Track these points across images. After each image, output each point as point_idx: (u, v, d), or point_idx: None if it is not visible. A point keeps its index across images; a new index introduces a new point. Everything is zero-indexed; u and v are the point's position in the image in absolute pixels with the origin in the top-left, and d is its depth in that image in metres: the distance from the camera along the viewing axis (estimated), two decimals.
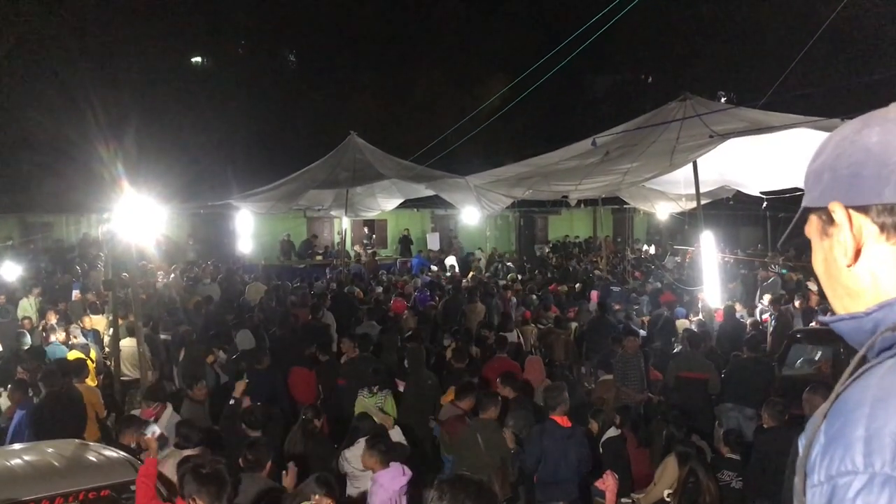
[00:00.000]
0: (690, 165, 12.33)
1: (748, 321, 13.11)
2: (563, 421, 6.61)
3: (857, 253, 1.17)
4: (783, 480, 6.36)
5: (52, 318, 11.97)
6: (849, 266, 1.18)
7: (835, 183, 1.19)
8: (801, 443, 1.14)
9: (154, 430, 4.96)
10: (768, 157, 13.11)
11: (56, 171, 21.38)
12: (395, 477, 5.54)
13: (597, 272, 20.92)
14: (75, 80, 23.01)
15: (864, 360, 1.13)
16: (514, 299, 15.57)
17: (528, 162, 14.25)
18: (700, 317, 13.05)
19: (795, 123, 11.00)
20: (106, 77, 24.79)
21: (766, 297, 14.80)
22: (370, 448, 5.68)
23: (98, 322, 12.26)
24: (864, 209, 1.16)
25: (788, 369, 9.78)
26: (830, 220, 1.20)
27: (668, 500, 6.78)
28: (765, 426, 6.89)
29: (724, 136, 11.15)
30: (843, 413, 1.07)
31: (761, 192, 16.01)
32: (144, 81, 27.10)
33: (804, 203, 1.26)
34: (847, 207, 1.17)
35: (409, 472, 5.66)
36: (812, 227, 1.25)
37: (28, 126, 22.27)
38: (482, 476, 6.45)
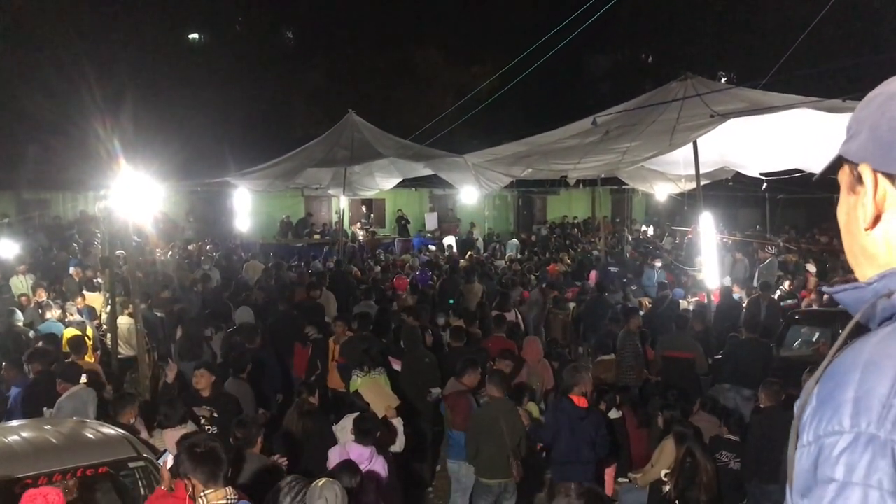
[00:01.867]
0: (690, 146, 12.25)
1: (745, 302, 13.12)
2: (580, 401, 6.59)
3: (877, 218, 1.16)
4: (779, 459, 6.41)
5: (42, 295, 11.93)
6: (866, 230, 1.18)
7: (871, 143, 1.16)
8: (797, 405, 1.15)
9: (166, 459, 4.90)
10: (769, 137, 13.03)
11: (52, 148, 21.30)
12: (360, 454, 5.58)
13: (595, 252, 20.91)
14: (71, 57, 22.84)
15: (859, 327, 1.14)
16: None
17: (527, 140, 14.17)
18: (697, 298, 13.05)
19: (796, 104, 10.93)
20: (102, 54, 24.65)
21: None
22: (354, 425, 5.76)
23: (94, 299, 12.23)
24: (892, 177, 1.14)
25: (786, 350, 9.80)
26: (860, 179, 1.18)
27: (665, 479, 6.80)
28: (761, 406, 6.89)
29: (725, 116, 11.08)
30: (835, 376, 1.08)
31: (761, 174, 15.96)
32: (141, 58, 26.95)
33: (840, 150, 1.23)
34: (876, 171, 1.15)
35: (371, 457, 5.69)
36: (843, 176, 1.24)
37: (24, 103, 22.13)
38: (503, 458, 6.53)
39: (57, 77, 22.28)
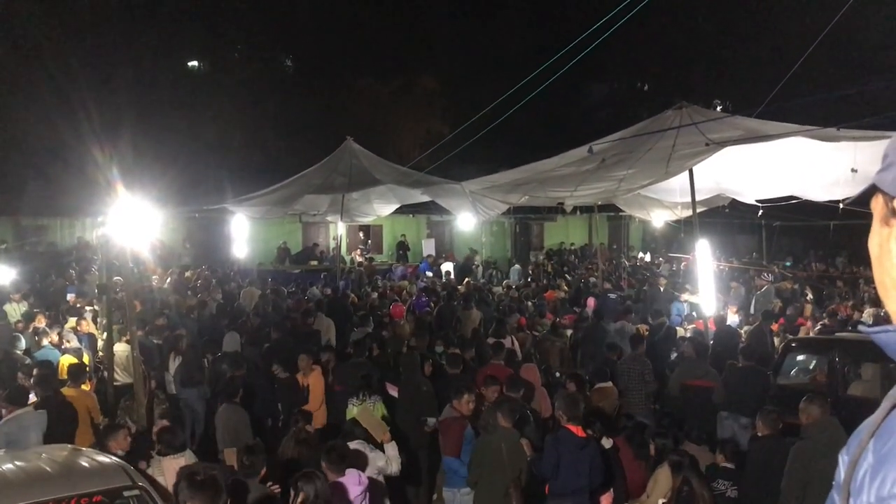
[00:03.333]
0: (686, 173, 12.35)
1: (743, 329, 13.13)
2: (578, 431, 6.57)
3: None
4: (776, 488, 6.38)
5: (42, 322, 11.90)
6: None
7: None
8: (844, 459, 1.09)
9: None
10: (764, 165, 13.13)
11: (50, 174, 21.37)
12: (350, 485, 5.51)
13: (592, 279, 20.92)
14: (70, 84, 22.98)
15: None
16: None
17: (524, 168, 14.26)
18: (693, 325, 13.05)
19: (791, 132, 11.01)
20: (101, 80, 24.78)
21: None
22: (324, 455, 5.66)
23: (90, 326, 12.17)
24: None
25: (783, 378, 9.78)
26: (894, 212, 1.13)
27: None
28: (759, 434, 6.87)
29: (720, 144, 11.16)
30: (894, 434, 1.02)
31: (757, 201, 16.03)
32: (140, 85, 27.08)
33: (875, 179, 1.17)
34: None
35: (364, 481, 5.63)
36: (877, 206, 1.18)
37: (22, 129, 22.24)
38: (502, 488, 6.48)
39: (55, 104, 22.40)
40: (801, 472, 5.89)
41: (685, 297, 15.85)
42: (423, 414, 8.46)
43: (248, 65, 33.62)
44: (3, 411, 7.18)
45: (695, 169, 12.27)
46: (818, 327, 12.88)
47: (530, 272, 23.77)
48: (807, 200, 14.79)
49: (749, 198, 15.92)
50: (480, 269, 24.75)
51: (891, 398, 1.07)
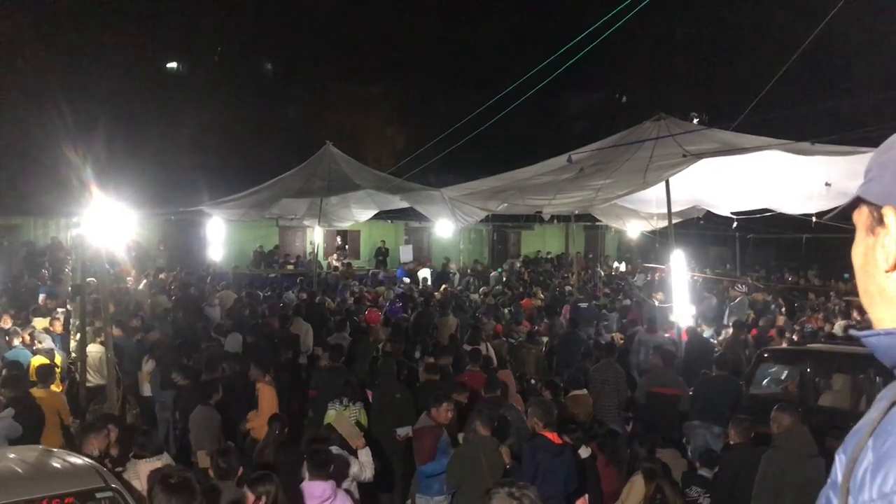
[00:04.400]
0: (663, 184, 12.48)
1: (717, 340, 13.26)
2: (554, 437, 6.60)
3: None
4: (748, 495, 6.46)
5: (8, 322, 11.73)
6: (887, 272, 1.15)
7: None
8: (841, 458, 1.11)
9: None
10: (740, 178, 13.31)
11: (22, 173, 21.09)
12: (321, 488, 5.52)
13: (567, 288, 21.04)
14: (43, 84, 22.73)
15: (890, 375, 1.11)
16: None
17: (503, 176, 14.33)
18: (668, 335, 13.14)
19: (767, 146, 11.18)
20: (75, 80, 24.52)
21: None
22: (307, 458, 5.66)
23: (41, 324, 12.01)
24: None
25: (756, 388, 9.89)
26: (880, 220, 1.16)
27: None
28: (731, 443, 6.94)
29: (697, 155, 11.30)
30: (894, 431, 1.04)
31: (732, 213, 16.23)
32: (116, 84, 26.85)
33: (859, 191, 1.20)
34: None
35: (333, 494, 5.61)
36: (861, 218, 1.21)
37: None
38: (480, 496, 6.48)
39: (26, 102, 22.14)
40: (773, 481, 5.97)
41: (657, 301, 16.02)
42: (397, 420, 8.44)
43: (227, 67, 33.46)
44: None
45: (671, 180, 12.41)
46: (788, 340, 13.03)
47: (503, 279, 23.83)
48: (780, 213, 15.02)
49: (724, 210, 16.11)
50: (457, 276, 24.77)
51: (888, 397, 1.10)
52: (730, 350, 11.56)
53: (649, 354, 11.23)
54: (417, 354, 11.27)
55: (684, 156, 11.48)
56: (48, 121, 20.81)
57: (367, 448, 6.83)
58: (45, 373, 8.40)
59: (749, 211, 15.86)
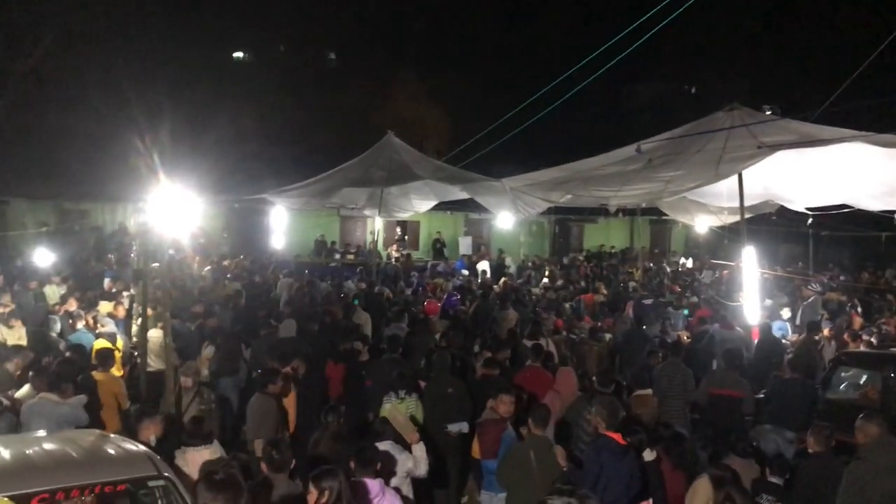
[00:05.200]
0: (735, 178, 11.98)
1: (790, 339, 12.70)
2: (618, 438, 6.32)
3: None
4: None
5: (73, 305, 11.92)
6: None
7: None
8: None
9: None
10: (817, 171, 12.69)
11: (93, 160, 21.59)
12: (371, 487, 5.35)
13: (631, 284, 20.53)
14: (113, 72, 23.22)
15: None
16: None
17: (567, 166, 13.95)
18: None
19: (850, 137, 10.58)
20: (144, 71, 24.99)
21: (785, 311, 14.41)
22: (354, 455, 5.49)
23: (106, 308, 12.16)
24: None
25: (832, 393, 9.38)
26: None
27: None
28: (809, 451, 6.52)
29: (774, 147, 10.77)
30: None
31: (807, 209, 15.54)
32: (183, 75, 27.32)
33: None
34: None
35: (384, 491, 5.43)
36: None
37: (66, 117, 22.49)
38: (534, 499, 6.23)
39: (99, 92, 22.63)
40: (858, 496, 5.56)
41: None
42: (450, 416, 8.21)
43: (291, 58, 33.74)
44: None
45: (744, 173, 11.89)
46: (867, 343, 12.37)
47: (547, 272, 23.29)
48: (859, 210, 14.31)
49: (799, 205, 15.45)
50: (513, 268, 24.40)
51: None
52: (804, 352, 11.01)
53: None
54: (476, 348, 11.01)
55: (759, 147, 10.96)
56: (118, 109, 21.26)
57: (422, 443, 6.64)
58: (105, 356, 8.45)
59: (825, 207, 15.17)
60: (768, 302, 15.47)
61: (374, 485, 5.34)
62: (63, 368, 7.55)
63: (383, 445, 6.18)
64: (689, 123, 13.61)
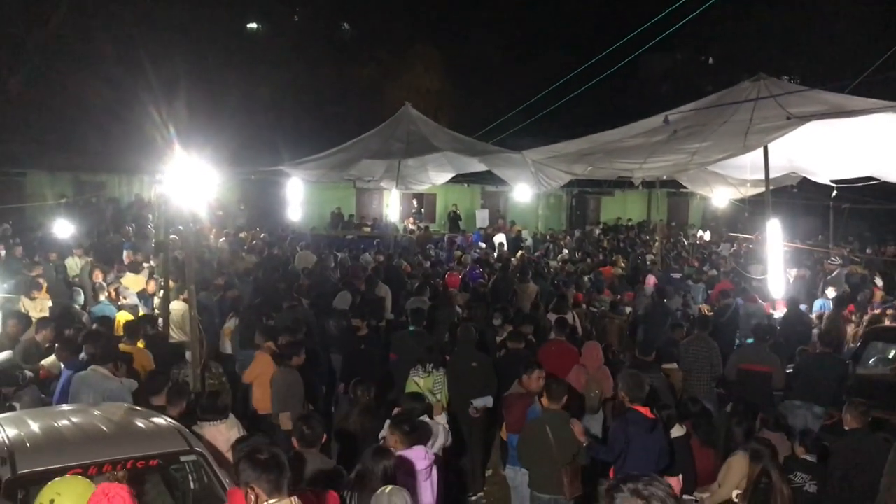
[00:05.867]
0: (759, 150, 11.74)
1: (814, 314, 12.55)
2: (647, 412, 6.23)
3: None
4: (867, 485, 5.97)
5: (99, 277, 11.91)
6: None
7: None
8: None
9: None
10: (844, 143, 12.42)
11: (109, 132, 21.54)
12: (417, 459, 5.26)
13: (650, 257, 20.36)
14: (129, 44, 23.06)
15: None
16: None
17: (590, 138, 13.70)
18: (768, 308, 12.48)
19: (881, 108, 10.32)
20: (159, 40, 24.83)
21: (830, 290, 14.16)
22: (393, 427, 5.43)
23: (135, 282, 12.15)
24: None
25: (863, 368, 9.25)
26: None
27: (736, 500, 6.40)
28: (846, 428, 6.40)
29: (804, 118, 10.53)
30: None
31: (832, 181, 15.28)
32: (197, 45, 27.12)
33: None
34: None
35: (431, 456, 5.38)
36: None
37: (82, 89, 22.41)
38: (553, 473, 6.17)
39: (115, 64, 22.51)
40: None
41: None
42: (473, 390, 8.15)
43: (306, 28, 33.43)
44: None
45: (769, 145, 11.66)
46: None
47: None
48: (885, 181, 14.06)
49: (823, 177, 15.18)
50: (529, 241, 24.26)
51: None
52: (833, 326, 10.86)
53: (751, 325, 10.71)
54: (498, 322, 10.89)
55: (788, 119, 10.72)
56: (134, 81, 21.15)
57: (444, 415, 6.59)
58: (133, 328, 8.42)
59: (850, 179, 14.90)
60: (805, 272, 15.33)
61: (419, 453, 5.27)
62: (107, 345, 7.52)
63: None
64: (715, 94, 13.35)
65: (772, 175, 13.67)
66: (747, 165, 13.73)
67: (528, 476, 6.57)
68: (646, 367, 8.24)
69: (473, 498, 8.24)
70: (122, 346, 7.89)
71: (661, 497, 2.24)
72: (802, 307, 12.65)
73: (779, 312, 12.47)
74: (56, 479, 4.14)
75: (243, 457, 3.42)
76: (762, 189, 14.52)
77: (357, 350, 9.29)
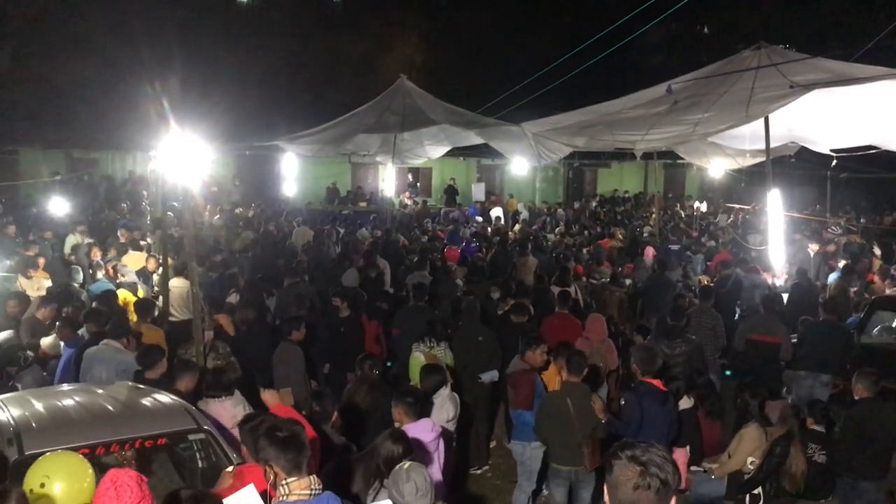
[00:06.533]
0: (759, 120, 11.64)
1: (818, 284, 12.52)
2: (659, 384, 6.21)
3: None
4: (877, 454, 5.96)
5: (97, 255, 11.80)
6: None
7: None
8: None
9: None
10: (845, 112, 12.32)
11: (101, 108, 21.27)
12: (423, 431, 5.20)
13: (648, 229, 20.31)
14: (120, 17, 22.72)
15: None
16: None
17: (589, 109, 13.56)
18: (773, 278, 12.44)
19: (886, 75, 10.21)
20: (151, 14, 24.48)
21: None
22: (398, 400, 5.36)
23: (137, 259, 12.08)
24: None
25: (867, 337, 9.23)
26: None
27: (751, 468, 6.40)
28: (856, 397, 6.37)
29: (807, 87, 10.42)
30: None
31: (832, 150, 15.20)
32: (189, 19, 26.77)
33: None
34: None
35: (438, 428, 5.32)
36: None
37: (73, 64, 22.10)
38: (573, 445, 6.13)
39: (106, 38, 22.17)
40: None
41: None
42: (474, 365, 8.09)
43: (297, 0, 32.99)
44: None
45: (770, 115, 11.56)
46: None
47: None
48: (886, 150, 13.99)
49: (823, 146, 15.10)
50: (525, 214, 24.14)
51: None
52: (838, 293, 10.82)
53: (754, 296, 10.65)
54: (496, 295, 10.81)
55: (791, 87, 10.61)
56: (126, 56, 20.85)
57: (449, 386, 6.54)
58: (145, 307, 8.34)
59: (850, 148, 14.83)
60: (832, 246, 15.35)
61: (426, 425, 5.21)
62: (118, 319, 7.45)
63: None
64: (715, 63, 13.20)
65: (771, 145, 13.60)
66: (746, 135, 13.63)
67: (548, 450, 6.52)
68: (674, 334, 8.29)
69: (479, 471, 8.21)
70: (134, 326, 7.84)
71: (658, 463, 2.24)
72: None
73: (779, 281, 12.46)
74: (42, 457, 3.77)
75: (262, 434, 3.36)
76: (761, 159, 14.46)
77: (337, 333, 9.06)
